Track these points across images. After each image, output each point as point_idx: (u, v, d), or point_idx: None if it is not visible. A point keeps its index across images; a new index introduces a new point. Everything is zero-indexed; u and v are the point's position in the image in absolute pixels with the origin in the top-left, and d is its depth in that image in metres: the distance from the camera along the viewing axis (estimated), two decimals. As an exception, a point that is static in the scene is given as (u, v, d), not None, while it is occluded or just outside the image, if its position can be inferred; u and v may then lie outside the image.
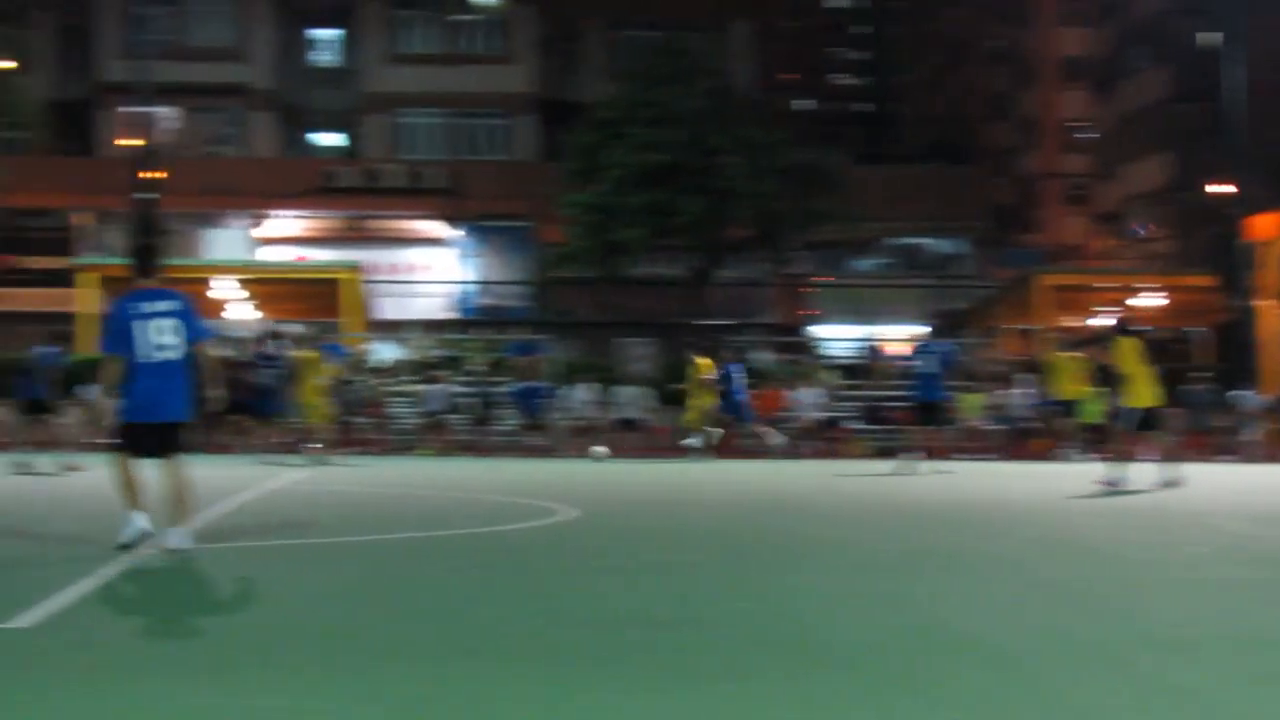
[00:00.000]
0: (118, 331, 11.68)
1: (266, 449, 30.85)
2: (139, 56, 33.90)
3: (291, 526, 14.55)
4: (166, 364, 11.64)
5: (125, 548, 11.36)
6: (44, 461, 22.61)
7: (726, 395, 31.25)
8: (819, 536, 14.29)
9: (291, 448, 31.17)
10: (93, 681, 6.58)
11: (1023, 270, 47.62)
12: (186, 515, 11.68)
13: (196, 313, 11.98)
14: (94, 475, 19.35)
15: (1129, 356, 20.84)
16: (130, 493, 11.66)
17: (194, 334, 11.84)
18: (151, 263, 12.25)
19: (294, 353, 28.75)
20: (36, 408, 24.09)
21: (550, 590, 9.87)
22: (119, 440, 11.78)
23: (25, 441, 23.18)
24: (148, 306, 11.70)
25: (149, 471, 11.78)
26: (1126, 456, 20.90)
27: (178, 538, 11.46)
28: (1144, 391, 20.81)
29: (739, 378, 31.62)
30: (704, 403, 30.76)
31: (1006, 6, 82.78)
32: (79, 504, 16.97)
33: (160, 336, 11.62)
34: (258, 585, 10.06)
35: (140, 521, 11.54)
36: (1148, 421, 21.10)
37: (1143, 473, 20.98)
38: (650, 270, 50.85)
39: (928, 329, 29.16)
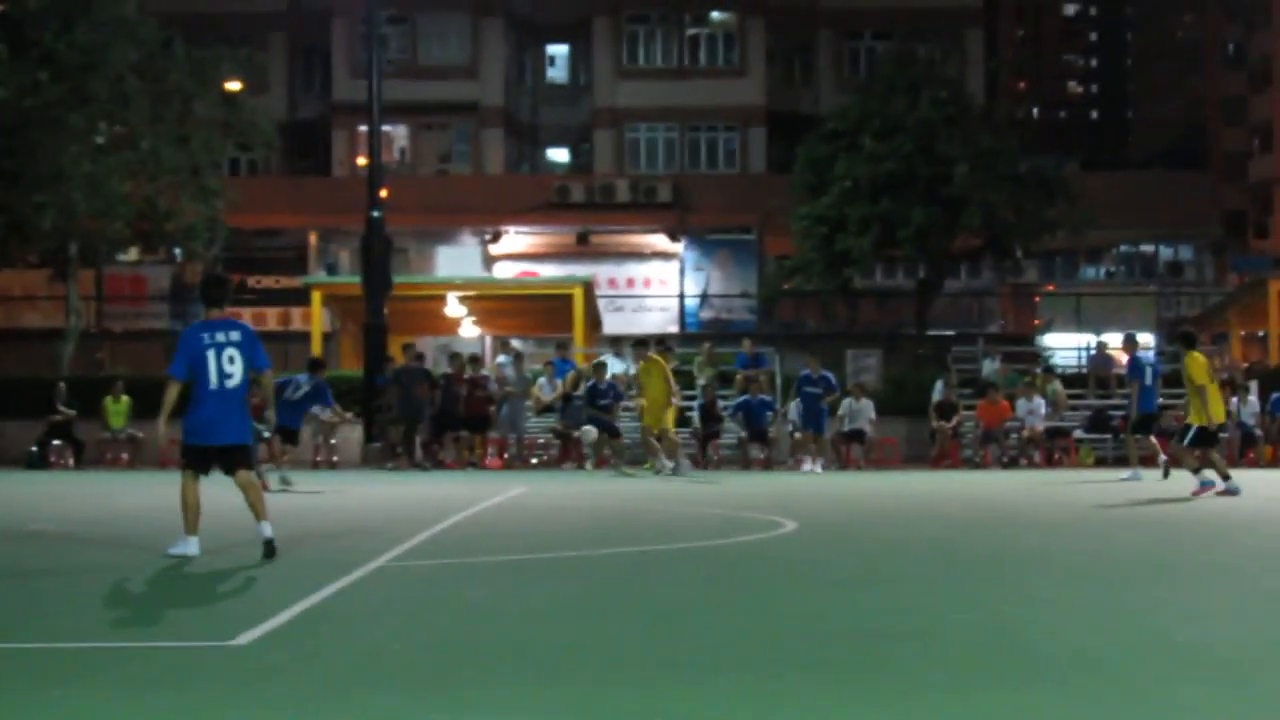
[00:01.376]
0: (189, 359, 12.50)
1: (491, 465, 31.29)
2: (371, 76, 34.40)
3: (514, 541, 14.76)
4: (230, 391, 12.50)
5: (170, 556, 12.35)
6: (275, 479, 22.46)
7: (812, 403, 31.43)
8: (1037, 546, 14.24)
9: (510, 464, 31.60)
10: (310, 699, 6.74)
11: (1256, 276, 46.70)
12: (263, 513, 12.46)
13: (258, 343, 12.86)
14: (340, 496, 19.81)
15: None
16: (190, 515, 12.54)
17: (256, 363, 12.73)
18: (221, 296, 13.09)
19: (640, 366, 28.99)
20: (287, 436, 24.14)
21: (772, 603, 9.96)
22: (184, 461, 12.68)
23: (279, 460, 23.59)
24: (220, 336, 12.54)
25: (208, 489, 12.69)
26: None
27: (267, 529, 12.35)
28: None
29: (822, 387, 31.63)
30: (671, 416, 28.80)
31: (1240, 10, 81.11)
32: (315, 522, 17.35)
33: (228, 365, 12.46)
34: (478, 601, 10.16)
35: (192, 548, 12.45)
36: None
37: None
38: (877, 281, 50.78)
39: (1138, 339, 28.48)
